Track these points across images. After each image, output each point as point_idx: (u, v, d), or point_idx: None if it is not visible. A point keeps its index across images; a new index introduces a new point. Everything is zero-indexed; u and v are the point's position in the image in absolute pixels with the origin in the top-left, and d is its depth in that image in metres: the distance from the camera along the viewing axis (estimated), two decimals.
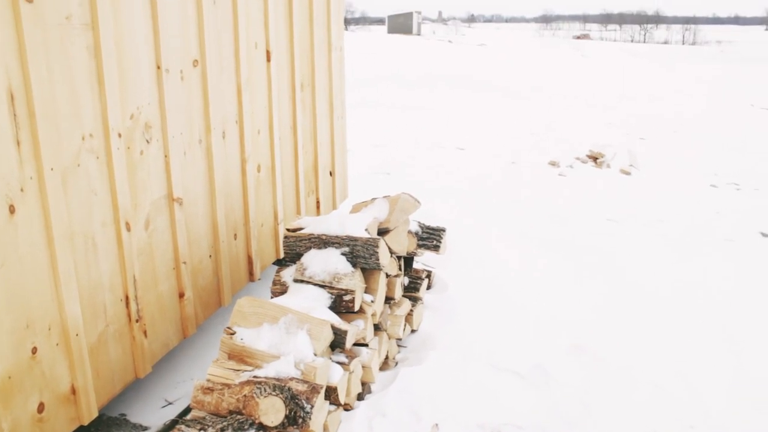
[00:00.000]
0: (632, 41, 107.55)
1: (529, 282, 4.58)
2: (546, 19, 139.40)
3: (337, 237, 3.07)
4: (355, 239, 3.03)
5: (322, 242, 3.09)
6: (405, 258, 3.75)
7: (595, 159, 9.00)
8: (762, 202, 7.86)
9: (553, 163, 8.72)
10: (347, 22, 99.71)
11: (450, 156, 9.21)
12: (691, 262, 5.32)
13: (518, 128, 11.88)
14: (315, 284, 2.98)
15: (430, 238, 3.75)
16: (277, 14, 3.98)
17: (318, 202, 4.84)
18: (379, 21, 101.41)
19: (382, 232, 3.26)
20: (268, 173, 3.97)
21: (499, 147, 9.97)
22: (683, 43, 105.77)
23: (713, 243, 6.02)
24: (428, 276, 4.15)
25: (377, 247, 2.99)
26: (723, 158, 10.35)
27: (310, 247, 3.12)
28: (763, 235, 6.47)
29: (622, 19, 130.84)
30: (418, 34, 63.30)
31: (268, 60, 3.88)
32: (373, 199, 3.43)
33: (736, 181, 8.89)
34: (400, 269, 3.50)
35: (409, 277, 3.79)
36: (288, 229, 3.26)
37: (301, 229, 3.23)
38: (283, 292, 3.09)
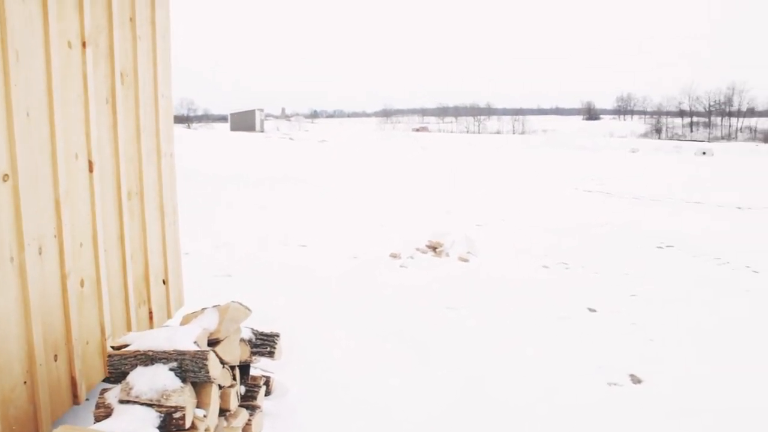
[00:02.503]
0: (468, 132, 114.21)
1: (375, 379, 4.60)
2: (386, 113, 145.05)
3: (164, 352, 2.97)
4: (183, 353, 2.94)
5: (149, 358, 2.97)
6: (241, 366, 3.67)
7: (434, 248, 9.32)
8: (588, 279, 8.43)
9: (394, 255, 8.94)
10: (189, 119, 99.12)
11: (293, 254, 9.22)
12: (527, 343, 5.58)
13: (359, 223, 12.14)
14: (142, 404, 2.84)
15: (264, 344, 3.71)
16: (100, 124, 3.91)
17: (151, 313, 4.67)
18: (222, 118, 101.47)
19: (213, 342, 3.20)
20: (93, 287, 3.81)
21: (341, 242, 10.12)
22: (513, 132, 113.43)
23: (547, 322, 6.35)
24: (267, 382, 4.08)
25: (206, 359, 2.92)
26: (552, 240, 11.05)
27: (136, 365, 2.99)
28: (590, 310, 6.92)
29: (457, 111, 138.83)
30: (262, 131, 63.91)
31: (91, 170, 3.78)
32: (203, 309, 3.37)
33: (564, 260, 9.49)
34: (234, 379, 3.42)
35: (245, 386, 3.71)
36: (113, 347, 3.11)
37: (126, 345, 3.10)
38: (108, 415, 2.92)
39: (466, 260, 8.92)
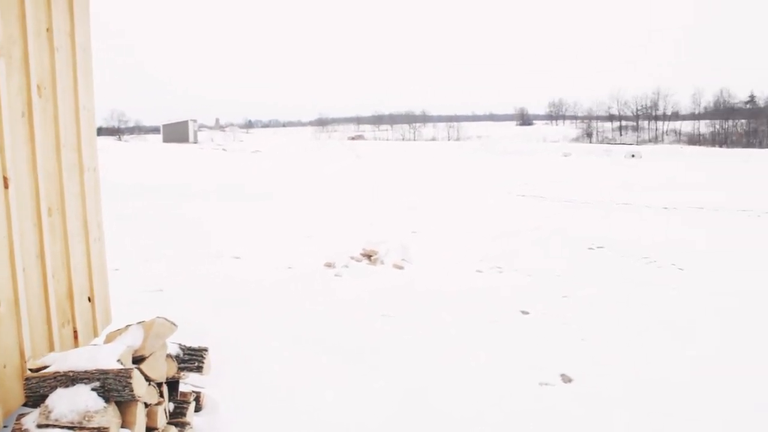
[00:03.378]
0: (403, 139, 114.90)
1: (311, 391, 4.56)
2: (321, 122, 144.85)
3: (86, 372, 2.89)
4: (105, 372, 2.86)
5: (70, 379, 2.88)
6: (169, 382, 3.60)
7: (369, 256, 9.32)
8: (521, 282, 8.56)
9: (329, 265, 8.91)
10: (120, 131, 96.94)
11: (226, 266, 9.10)
12: (461, 348, 5.63)
13: (294, 233, 12.07)
14: (62, 427, 2.75)
15: (192, 359, 3.65)
16: (16, 138, 3.78)
17: (76, 332, 4.53)
18: (155, 130, 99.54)
19: (138, 360, 3.12)
20: (11, 308, 3.67)
21: (275, 253, 10.04)
22: (449, 139, 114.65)
23: (481, 326, 6.42)
24: (197, 398, 4.00)
25: (130, 378, 2.85)
26: (486, 245, 11.20)
27: (56, 386, 2.89)
28: (523, 312, 7.03)
29: (392, 119, 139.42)
30: (195, 142, 62.97)
31: (6, 187, 3.65)
32: (128, 326, 3.29)
33: (498, 264, 9.62)
34: (162, 396, 3.34)
35: (174, 402, 3.63)
36: (31, 369, 3.01)
37: (46, 367, 3.01)
38: None
39: (401, 267, 8.95)
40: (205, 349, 3.75)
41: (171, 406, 3.59)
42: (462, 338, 5.99)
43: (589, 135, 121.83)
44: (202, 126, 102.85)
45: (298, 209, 15.89)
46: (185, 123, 68.49)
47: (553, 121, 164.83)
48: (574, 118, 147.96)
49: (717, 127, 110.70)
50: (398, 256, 9.36)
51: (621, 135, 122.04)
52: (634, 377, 5.12)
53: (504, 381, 4.95)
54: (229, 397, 4.28)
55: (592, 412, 4.43)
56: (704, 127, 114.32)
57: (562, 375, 5.15)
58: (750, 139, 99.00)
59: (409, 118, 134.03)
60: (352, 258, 9.24)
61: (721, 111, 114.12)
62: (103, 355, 2.96)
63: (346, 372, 5.01)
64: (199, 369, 3.68)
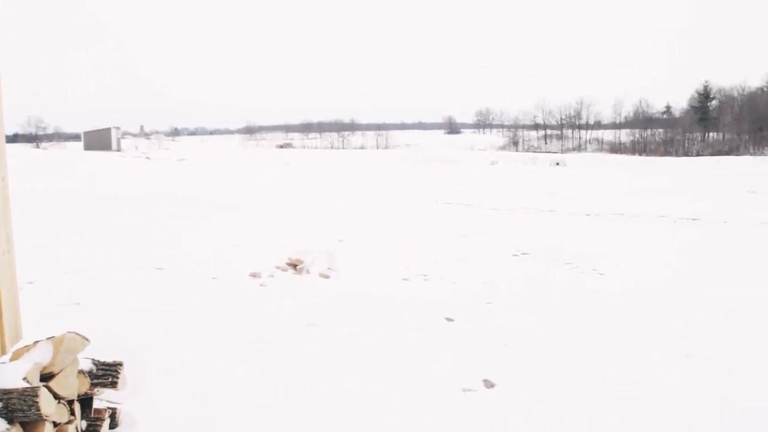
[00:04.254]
0: (332, 147, 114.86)
1: (234, 405, 4.48)
2: (249, 130, 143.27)
3: None
4: (9, 392, 2.74)
5: None
6: (82, 399, 3.47)
7: (295, 266, 9.25)
8: (446, 289, 8.65)
9: (254, 275, 8.80)
10: (38, 138, 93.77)
11: (148, 277, 8.87)
12: (386, 356, 5.64)
13: (218, 242, 11.87)
14: None
15: (107, 374, 3.53)
16: None
17: None
18: (76, 137, 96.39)
19: (47, 377, 3.00)
20: None
21: (199, 263, 9.83)
22: (378, 147, 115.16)
23: (406, 334, 6.44)
24: (113, 414, 3.88)
25: (37, 396, 2.74)
26: (412, 252, 11.26)
27: None
28: (448, 319, 7.09)
29: (321, 127, 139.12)
30: (118, 150, 61.34)
31: None
32: (36, 342, 3.17)
33: (424, 272, 9.69)
34: (73, 414, 3.23)
35: (87, 420, 3.51)
36: None
37: None
38: None
39: (327, 276, 8.92)
40: (120, 364, 3.64)
41: (84, 424, 3.47)
42: (386, 346, 5.99)
43: (516, 143, 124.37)
44: (126, 133, 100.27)
45: (224, 218, 15.65)
46: (108, 130, 66.57)
47: (481, 130, 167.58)
48: (501, 126, 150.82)
49: (636, 136, 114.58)
50: (325, 264, 9.33)
51: (546, 143, 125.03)
52: (555, 381, 5.23)
53: (427, 388, 4.98)
54: (148, 412, 4.15)
55: (513, 417, 4.49)
56: (625, 136, 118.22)
57: (485, 380, 5.21)
58: (667, 148, 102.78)
59: (338, 127, 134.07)
60: (278, 267, 9.15)
61: (641, 121, 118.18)
62: (7, 374, 2.84)
63: (271, 383, 4.94)
64: (113, 384, 3.56)
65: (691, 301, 8.25)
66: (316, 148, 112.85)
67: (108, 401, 4.17)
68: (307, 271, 9.04)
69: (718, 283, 9.40)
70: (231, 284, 8.34)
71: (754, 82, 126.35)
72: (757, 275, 10.06)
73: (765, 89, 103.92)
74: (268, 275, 8.75)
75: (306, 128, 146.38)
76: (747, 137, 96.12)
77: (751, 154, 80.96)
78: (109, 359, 3.72)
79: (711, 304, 8.12)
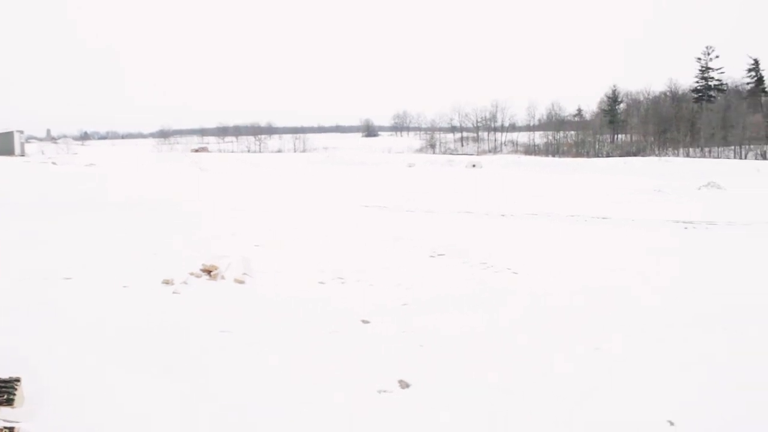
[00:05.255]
0: (249, 151, 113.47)
1: (144, 418, 4.34)
2: (164, 134, 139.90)
3: None
4: None
5: None
6: None
7: (209, 272, 9.07)
8: (363, 291, 8.65)
9: (167, 282, 8.57)
10: None
11: (55, 288, 8.50)
12: (300, 360, 5.59)
13: (129, 250, 11.50)
14: None
15: (1, 392, 3.36)
16: None
17: None
18: None
19: None
20: None
21: (109, 271, 9.50)
22: (295, 151, 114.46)
23: (321, 337, 6.41)
24: None
25: None
26: (328, 255, 11.22)
27: None
28: (364, 321, 7.09)
29: (238, 131, 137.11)
30: (22, 155, 58.69)
31: None
32: None
33: (341, 276, 9.66)
34: None
35: None
36: None
37: None
38: None
39: (242, 282, 8.79)
40: (17, 380, 3.48)
41: None
42: (301, 351, 5.95)
43: (433, 146, 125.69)
44: (30, 137, 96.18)
45: (133, 224, 15.19)
46: (10, 134, 63.35)
47: (398, 133, 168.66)
48: (418, 129, 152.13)
49: (550, 138, 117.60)
50: (240, 270, 9.18)
51: (463, 146, 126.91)
52: (470, 380, 5.29)
53: (341, 391, 4.96)
54: (48, 430, 3.98)
55: (428, 416, 4.52)
56: (538, 138, 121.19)
57: (400, 381, 5.24)
58: (579, 149, 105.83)
59: (255, 130, 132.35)
60: (192, 274, 8.95)
61: (553, 123, 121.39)
62: None
63: (183, 393, 4.81)
64: (9, 402, 3.40)
65: (600, 296, 8.53)
66: (232, 152, 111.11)
67: (4, 420, 3.98)
68: (222, 277, 8.88)
69: (625, 277, 9.75)
70: (142, 293, 8.09)
71: (658, 87, 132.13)
72: (662, 268, 10.49)
73: (668, 94, 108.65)
74: (181, 282, 8.54)
75: (222, 132, 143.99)
76: (652, 139, 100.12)
77: (657, 155, 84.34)
78: (5, 375, 3.54)
79: (619, 297, 8.42)
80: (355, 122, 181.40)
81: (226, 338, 6.26)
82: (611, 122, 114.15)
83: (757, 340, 6.57)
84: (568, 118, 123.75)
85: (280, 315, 7.25)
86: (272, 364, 5.52)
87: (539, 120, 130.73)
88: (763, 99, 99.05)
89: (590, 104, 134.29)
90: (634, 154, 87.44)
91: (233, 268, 9.15)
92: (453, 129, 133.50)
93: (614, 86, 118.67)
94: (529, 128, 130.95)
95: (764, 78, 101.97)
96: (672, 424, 4.63)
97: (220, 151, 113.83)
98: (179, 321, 6.85)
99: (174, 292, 8.13)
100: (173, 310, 7.33)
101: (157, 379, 5.06)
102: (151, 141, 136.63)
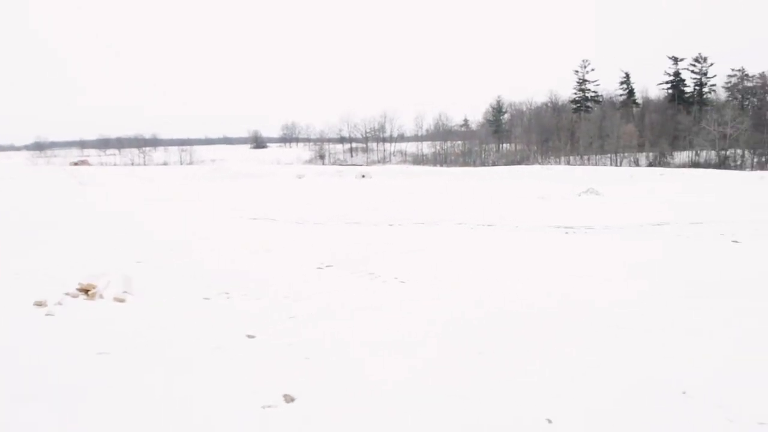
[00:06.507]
0: (133, 164, 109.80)
1: None
2: (39, 147, 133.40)
3: None
4: None
5: None
6: None
7: (86, 291, 8.68)
8: (248, 306, 8.52)
9: (39, 303, 8.13)
10: None
11: None
12: (179, 379, 5.44)
13: None
14: None
15: None
16: None
17: None
18: None
19: None
20: None
21: None
22: (182, 163, 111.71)
23: (203, 353, 6.26)
24: None
25: None
26: (215, 270, 10.99)
27: None
28: (249, 336, 6.98)
29: (120, 143, 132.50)
30: None
31: None
32: None
33: (226, 290, 9.47)
34: None
35: None
36: None
37: None
38: None
39: (122, 300, 8.46)
40: None
41: None
42: (183, 369, 5.79)
43: (322, 157, 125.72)
44: None
45: (4, 243, 14.36)
46: None
47: (287, 144, 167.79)
48: (308, 140, 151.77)
49: (438, 148, 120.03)
50: (120, 288, 8.84)
51: (352, 156, 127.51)
52: (356, 391, 5.30)
53: (225, 408, 4.88)
54: None
55: (312, 429, 4.50)
56: (426, 148, 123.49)
57: (285, 395, 5.19)
58: (466, 158, 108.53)
59: (139, 142, 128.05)
60: (68, 294, 8.54)
61: (441, 133, 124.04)
62: None
63: (51, 424, 4.57)
64: None
65: (485, 300, 8.76)
66: (115, 165, 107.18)
67: None
68: (101, 296, 8.52)
69: (508, 281, 10.05)
70: (10, 315, 7.62)
71: (539, 98, 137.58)
72: (548, 273, 10.88)
73: (549, 104, 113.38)
74: (55, 303, 8.13)
75: (104, 144, 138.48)
76: (535, 148, 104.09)
77: (540, 163, 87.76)
78: None
79: (503, 301, 8.67)
80: (244, 134, 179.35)
81: (103, 360, 6.01)
82: (496, 132, 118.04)
83: (626, 339, 6.93)
84: (455, 128, 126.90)
85: (162, 333, 7.03)
86: (152, 385, 5.34)
87: (427, 130, 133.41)
88: (635, 110, 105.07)
89: (476, 115, 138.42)
90: (519, 163, 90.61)
91: (113, 287, 8.80)
92: (342, 140, 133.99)
93: (499, 97, 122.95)
94: (417, 138, 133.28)
95: (635, 90, 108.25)
96: (550, 422, 4.80)
97: (102, 164, 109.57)
98: (52, 345, 6.52)
99: (47, 314, 7.72)
100: (46, 333, 6.96)
101: (32, 406, 4.80)
102: (25, 154, 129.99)
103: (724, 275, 10.79)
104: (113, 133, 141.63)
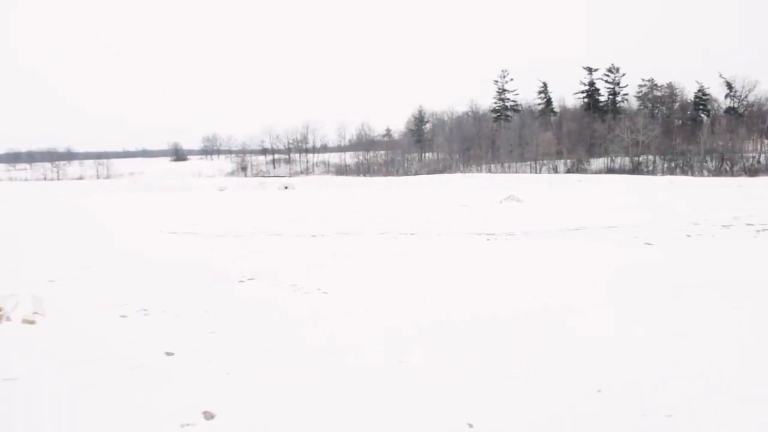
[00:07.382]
0: (45, 179, 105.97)
1: None
2: None
3: None
4: None
5: None
6: None
7: None
8: (168, 322, 8.31)
9: None
10: None
11: None
12: (93, 404, 5.25)
13: None
14: None
15: None
16: None
17: None
18: None
19: None
20: None
21: None
22: (98, 177, 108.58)
23: (120, 373, 6.08)
24: None
25: None
26: (132, 286, 10.69)
27: None
28: (168, 354, 6.82)
29: (31, 157, 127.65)
30: None
31: None
32: None
33: (144, 307, 9.22)
34: None
35: None
36: None
37: None
38: None
39: (32, 322, 8.12)
40: None
41: None
42: (99, 390, 5.59)
43: (245, 168, 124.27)
44: None
45: None
46: None
47: (208, 156, 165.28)
48: (229, 152, 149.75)
49: (360, 158, 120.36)
50: (29, 309, 8.48)
51: (275, 167, 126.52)
52: (276, 406, 5.22)
53: (143, 429, 4.71)
54: None
55: None
56: (349, 158, 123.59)
57: (205, 412, 5.09)
58: (389, 168, 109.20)
59: (52, 156, 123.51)
60: None
61: (364, 143, 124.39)
62: None
63: None
64: None
65: (404, 309, 8.80)
66: (26, 180, 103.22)
67: None
68: (8, 318, 8.14)
69: (430, 292, 10.12)
70: None
71: (461, 108, 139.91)
72: (462, 280, 11.01)
73: (470, 114, 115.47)
74: None
75: (13, 158, 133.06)
76: (457, 156, 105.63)
77: (462, 172, 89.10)
78: None
79: (422, 310, 8.72)
80: (163, 146, 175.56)
81: (9, 387, 5.74)
82: (418, 141, 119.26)
83: (549, 342, 7.08)
84: (378, 138, 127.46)
85: (76, 355, 6.77)
86: (63, 410, 5.14)
87: (350, 141, 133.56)
88: (552, 118, 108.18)
89: (399, 124, 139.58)
90: (441, 172, 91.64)
91: (21, 308, 8.43)
92: (265, 151, 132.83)
93: (420, 107, 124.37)
94: (340, 149, 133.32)
95: (552, 99, 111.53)
96: (471, 426, 4.84)
97: (11, 179, 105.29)
98: None
99: None
100: None
101: None
102: None
103: (649, 279, 11.17)
104: (24, 147, 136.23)
